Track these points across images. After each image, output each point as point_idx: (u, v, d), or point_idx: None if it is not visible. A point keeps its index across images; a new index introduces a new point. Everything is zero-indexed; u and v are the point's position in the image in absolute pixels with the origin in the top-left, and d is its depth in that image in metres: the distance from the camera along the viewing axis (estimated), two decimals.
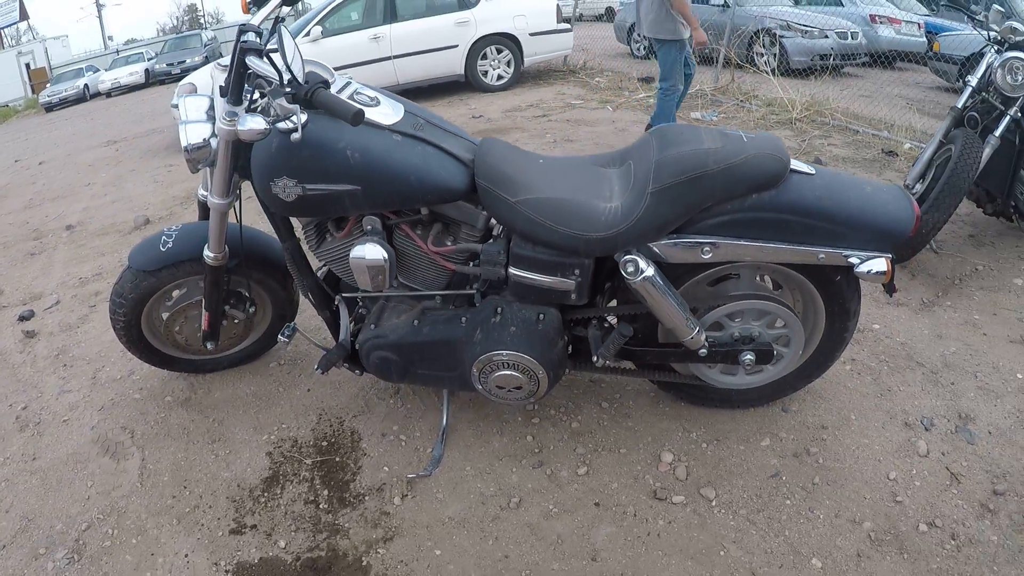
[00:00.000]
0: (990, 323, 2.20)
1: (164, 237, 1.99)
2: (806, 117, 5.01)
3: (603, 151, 1.78)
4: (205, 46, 18.46)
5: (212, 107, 1.68)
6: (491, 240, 1.65)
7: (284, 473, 1.86)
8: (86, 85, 16.87)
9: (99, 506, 1.80)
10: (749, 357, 1.65)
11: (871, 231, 1.47)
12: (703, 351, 1.64)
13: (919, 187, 2.51)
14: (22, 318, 2.96)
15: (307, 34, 6.65)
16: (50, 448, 2.06)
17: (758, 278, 1.72)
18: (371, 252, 1.59)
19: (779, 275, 1.70)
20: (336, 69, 1.64)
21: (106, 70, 17.89)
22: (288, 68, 1.35)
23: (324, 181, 1.48)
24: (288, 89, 1.36)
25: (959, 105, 2.47)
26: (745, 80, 6.35)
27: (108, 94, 16.50)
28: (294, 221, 1.74)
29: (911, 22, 7.47)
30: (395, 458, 1.86)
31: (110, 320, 2.05)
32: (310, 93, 1.35)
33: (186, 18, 45.76)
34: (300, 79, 1.39)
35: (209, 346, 2.13)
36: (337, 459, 1.89)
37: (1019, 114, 2.32)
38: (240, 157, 1.60)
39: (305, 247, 1.77)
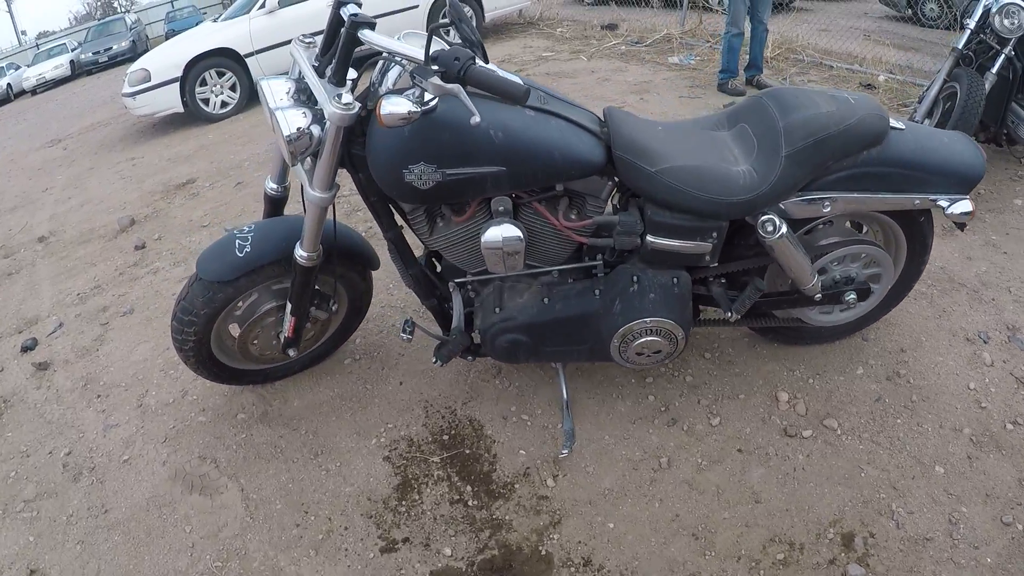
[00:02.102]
0: (1006, 242, 2.54)
1: (239, 241, 1.88)
2: (779, 55, 5.27)
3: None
4: (131, 29, 17.41)
5: (295, 90, 1.60)
6: (617, 210, 1.72)
7: (414, 476, 1.88)
8: (9, 84, 15.98)
9: (211, 552, 1.72)
10: (852, 296, 1.86)
11: (954, 177, 1.68)
12: (818, 296, 1.83)
13: (927, 123, 2.80)
14: (25, 348, 2.73)
15: (262, 5, 6.20)
16: (120, 495, 1.93)
17: (847, 224, 1.92)
18: (508, 233, 1.62)
19: (866, 219, 1.90)
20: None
21: (28, 66, 16.88)
22: (476, 41, 1.32)
23: (466, 164, 1.48)
24: (436, 67, 1.29)
25: (959, 46, 2.75)
26: (711, 21, 6.56)
27: (34, 91, 15.49)
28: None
29: None
30: (527, 439, 1.94)
31: (175, 342, 1.94)
32: (463, 71, 1.27)
33: (99, 3, 41.00)
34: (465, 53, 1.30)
35: (291, 353, 2.07)
36: (467, 451, 1.94)
37: (1012, 52, 2.63)
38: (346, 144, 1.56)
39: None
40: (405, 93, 1.39)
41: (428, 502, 1.80)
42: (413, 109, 1.33)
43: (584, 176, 1.60)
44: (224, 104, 6.20)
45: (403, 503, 1.80)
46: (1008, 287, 2.30)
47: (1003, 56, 2.64)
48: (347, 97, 1.42)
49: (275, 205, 2.05)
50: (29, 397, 2.42)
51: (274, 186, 2.01)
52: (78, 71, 15.95)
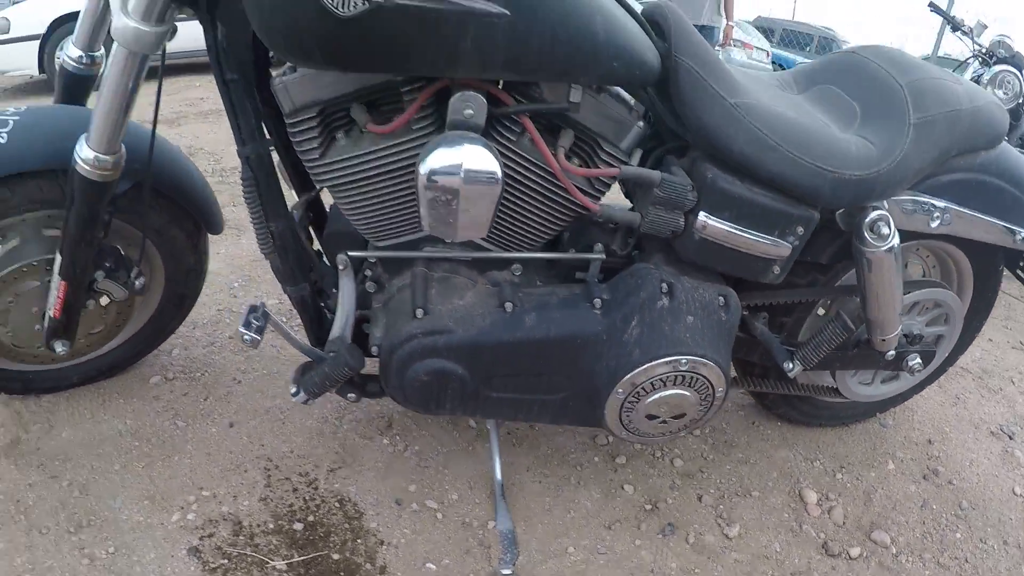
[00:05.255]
0: (986, 330, 2.39)
1: None
2: None
3: None
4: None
5: None
6: (648, 164, 1.16)
7: None
8: None
9: None
10: (917, 361, 1.47)
11: None
12: (891, 353, 1.40)
13: None
14: None
15: None
16: None
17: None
18: (478, 158, 0.95)
19: (934, 259, 1.55)
20: None
21: None
22: None
23: None
24: None
25: None
26: None
27: None
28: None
29: (761, 49, 8.47)
30: (437, 543, 1.23)
31: None
32: None
33: None
34: None
35: (59, 348, 1.31)
36: (335, 556, 1.18)
37: (1012, 122, 2.63)
38: None
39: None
40: None
41: None
42: None
43: (627, 82, 1.02)
44: None
45: None
46: (1010, 378, 2.08)
47: None
48: None
49: (74, 87, 1.35)
50: None
51: (77, 54, 1.31)
52: None
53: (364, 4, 0.82)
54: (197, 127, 4.02)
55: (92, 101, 1.26)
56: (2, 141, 1.17)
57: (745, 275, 1.20)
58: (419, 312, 1.11)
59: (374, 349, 1.16)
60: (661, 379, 1.15)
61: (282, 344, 1.71)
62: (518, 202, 1.10)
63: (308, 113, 1.00)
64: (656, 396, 1.17)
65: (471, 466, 1.39)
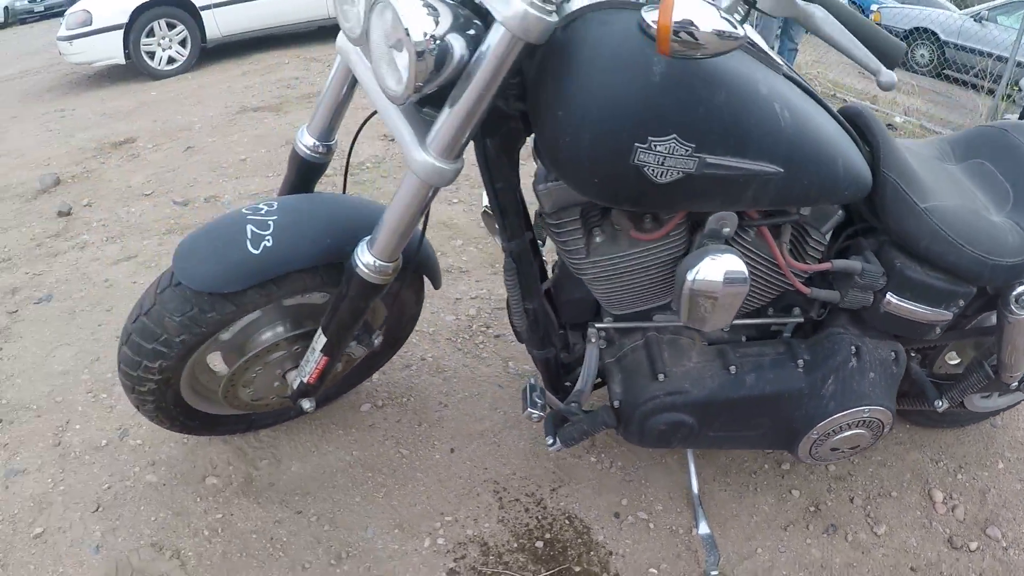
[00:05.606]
0: None
1: (253, 227, 1.32)
2: None
3: None
4: None
5: None
6: (838, 242, 1.44)
7: None
8: None
9: None
10: None
11: None
12: (1015, 384, 1.70)
13: None
14: None
15: None
16: None
17: None
18: (733, 268, 1.19)
19: None
20: None
21: None
22: None
23: (738, 153, 1.07)
24: None
25: None
26: None
27: None
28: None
29: None
30: (654, 550, 1.60)
31: (125, 380, 1.41)
32: None
33: None
34: None
35: (307, 405, 1.55)
36: (576, 569, 1.55)
37: None
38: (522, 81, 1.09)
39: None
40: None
41: None
42: (733, 31, 0.87)
43: (851, 200, 1.27)
44: (171, 60, 5.92)
45: None
46: None
47: None
48: None
49: (306, 174, 1.51)
50: None
51: (312, 142, 1.47)
52: (10, 19, 14.60)
53: (679, 174, 1.06)
54: (302, 114, 4.19)
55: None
56: (269, 244, 1.30)
57: (913, 336, 1.48)
58: (660, 376, 1.41)
59: (616, 402, 1.47)
60: (848, 424, 1.47)
61: (474, 365, 2.03)
62: (754, 284, 1.37)
63: (570, 215, 1.23)
64: (841, 436, 1.49)
65: (667, 477, 1.75)
